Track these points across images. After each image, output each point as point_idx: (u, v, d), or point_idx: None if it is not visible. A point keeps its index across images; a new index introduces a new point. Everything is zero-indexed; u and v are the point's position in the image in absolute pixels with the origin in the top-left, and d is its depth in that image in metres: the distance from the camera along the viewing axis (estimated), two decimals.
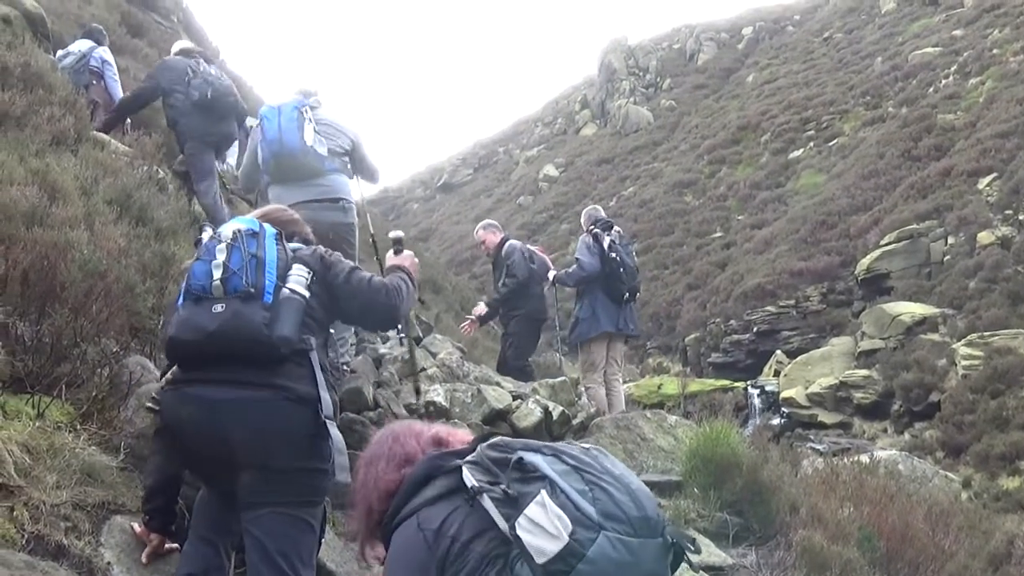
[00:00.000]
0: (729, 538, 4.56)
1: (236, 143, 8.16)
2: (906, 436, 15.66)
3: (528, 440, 1.85)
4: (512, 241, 7.29)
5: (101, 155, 5.32)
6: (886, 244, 21.04)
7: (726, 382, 19.89)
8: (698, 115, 42.80)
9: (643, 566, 1.59)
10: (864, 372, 17.51)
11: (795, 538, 4.50)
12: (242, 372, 2.33)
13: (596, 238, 6.89)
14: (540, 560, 1.57)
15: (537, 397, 5.58)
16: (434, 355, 5.93)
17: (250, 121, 8.59)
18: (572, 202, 37.89)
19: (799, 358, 20.00)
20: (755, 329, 22.62)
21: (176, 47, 6.65)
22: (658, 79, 50.21)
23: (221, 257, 2.40)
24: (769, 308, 22.67)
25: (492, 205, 45.31)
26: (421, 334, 6.31)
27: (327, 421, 2.36)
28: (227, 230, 2.50)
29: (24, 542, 2.31)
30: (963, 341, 15.93)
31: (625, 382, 8.37)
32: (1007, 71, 26.37)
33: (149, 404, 2.52)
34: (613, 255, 6.78)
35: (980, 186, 21.24)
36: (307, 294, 2.46)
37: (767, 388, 19.26)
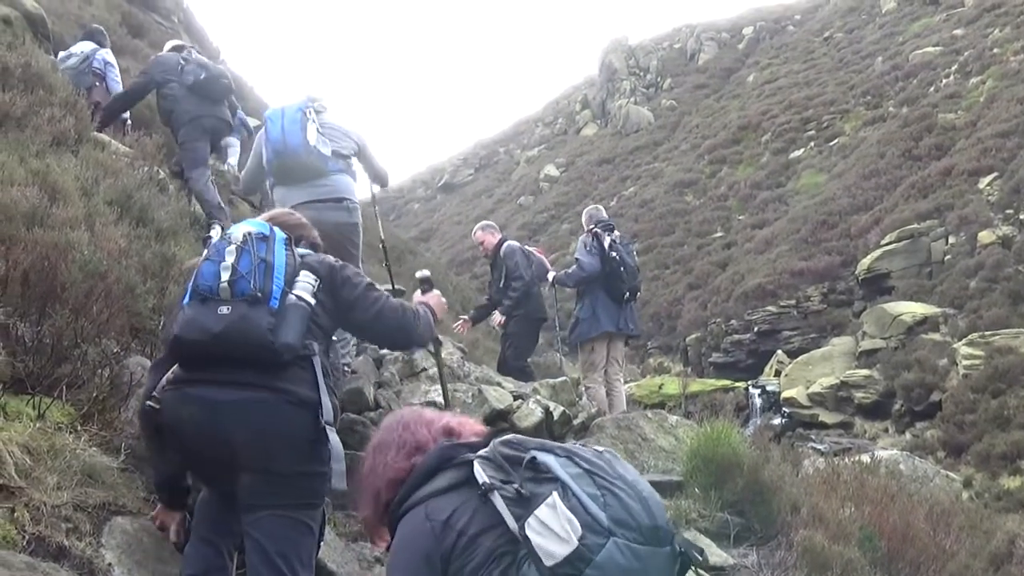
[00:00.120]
0: (730, 538, 4.55)
1: (238, 144, 8.17)
2: (907, 436, 15.66)
3: (544, 440, 1.85)
4: (510, 242, 7.30)
5: (102, 156, 5.31)
6: (887, 244, 21.04)
7: (727, 382, 19.91)
8: (699, 115, 42.81)
9: (650, 574, 1.59)
10: (865, 372, 17.51)
11: (796, 538, 4.48)
12: (244, 374, 2.33)
13: (596, 237, 6.88)
14: (548, 563, 1.57)
15: (538, 397, 5.57)
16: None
17: (251, 121, 8.62)
18: (573, 202, 37.91)
19: (800, 358, 20.01)
20: (756, 329, 22.62)
21: (168, 45, 6.72)
22: (659, 79, 50.23)
23: (230, 259, 2.40)
24: (770, 308, 22.68)
25: (493, 205, 45.34)
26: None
27: (327, 426, 2.36)
28: (237, 232, 2.50)
29: (25, 543, 2.30)
30: (964, 341, 15.94)
31: (626, 382, 8.36)
32: (1008, 70, 26.36)
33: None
34: (614, 255, 6.78)
35: (981, 185, 21.24)
36: (312, 301, 2.47)
37: (768, 388, 19.26)
